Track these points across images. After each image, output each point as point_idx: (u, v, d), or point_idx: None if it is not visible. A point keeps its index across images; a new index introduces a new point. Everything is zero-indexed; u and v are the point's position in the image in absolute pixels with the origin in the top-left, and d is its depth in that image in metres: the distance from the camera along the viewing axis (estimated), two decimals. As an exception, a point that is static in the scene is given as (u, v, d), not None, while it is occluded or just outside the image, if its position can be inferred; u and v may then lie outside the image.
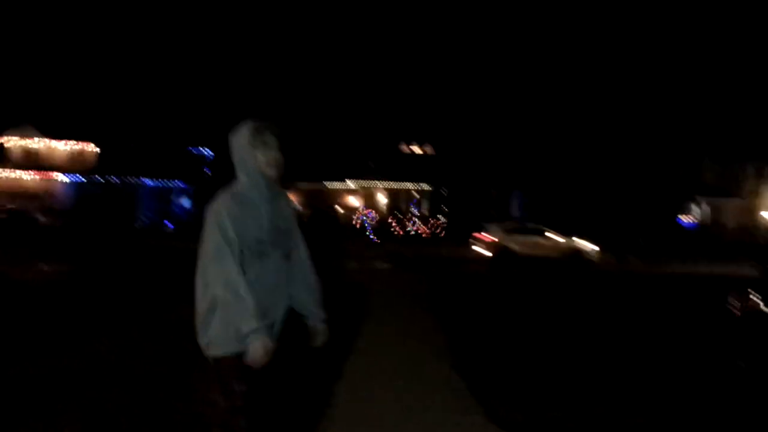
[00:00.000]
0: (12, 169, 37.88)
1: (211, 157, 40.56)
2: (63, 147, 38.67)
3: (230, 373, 2.39)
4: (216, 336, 2.41)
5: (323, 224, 30.02)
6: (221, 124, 42.09)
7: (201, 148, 40.25)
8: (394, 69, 51.45)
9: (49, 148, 38.47)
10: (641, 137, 36.74)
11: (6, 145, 38.50)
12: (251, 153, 2.48)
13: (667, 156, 37.01)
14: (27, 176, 37.62)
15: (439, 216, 37.14)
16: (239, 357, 2.37)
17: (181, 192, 38.26)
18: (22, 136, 38.41)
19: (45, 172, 37.59)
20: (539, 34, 54.33)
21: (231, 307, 2.35)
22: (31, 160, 38.22)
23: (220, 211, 2.43)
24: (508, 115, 39.69)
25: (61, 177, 37.49)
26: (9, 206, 32.34)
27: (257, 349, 2.34)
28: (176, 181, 37.12)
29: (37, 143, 38.52)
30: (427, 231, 32.84)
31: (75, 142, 38.59)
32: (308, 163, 39.66)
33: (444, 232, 33.16)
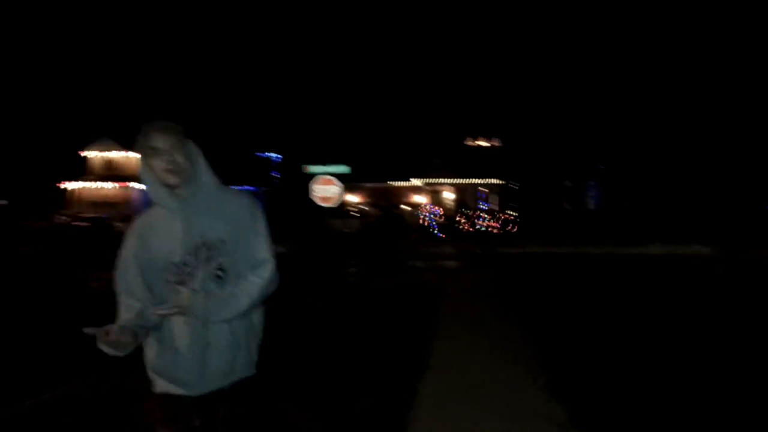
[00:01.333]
0: (93, 180, 39.90)
1: (278, 161, 41.16)
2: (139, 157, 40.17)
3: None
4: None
5: (389, 223, 29.70)
6: (287, 128, 42.77)
7: (268, 153, 40.94)
8: (457, 62, 50.58)
9: (127, 158, 40.20)
10: (727, 124, 34.36)
11: (88, 157, 40.59)
12: (144, 162, 2.05)
13: (756, 144, 34.45)
14: (107, 186, 39.49)
15: (510, 211, 36.06)
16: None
17: (253, 194, 39.03)
18: (102, 149, 40.39)
19: (123, 182, 39.34)
20: (620, 18, 52.02)
21: None
22: (110, 171, 40.15)
23: (128, 235, 2.11)
24: (581, 102, 38.11)
25: (137, 185, 39.03)
26: (91, 215, 33.96)
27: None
28: (245, 186, 37.85)
29: (116, 155, 40.35)
30: (497, 227, 31.90)
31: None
32: (373, 163, 39.55)
33: (516, 227, 32.12)
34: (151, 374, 2.07)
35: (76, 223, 31.62)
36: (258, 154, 40.56)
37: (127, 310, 2.02)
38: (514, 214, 34.74)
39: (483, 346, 6.31)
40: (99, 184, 39.63)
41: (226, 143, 37.41)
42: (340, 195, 10.56)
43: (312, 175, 10.87)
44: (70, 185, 39.80)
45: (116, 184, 39.44)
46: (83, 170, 40.63)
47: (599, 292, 10.59)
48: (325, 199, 10.40)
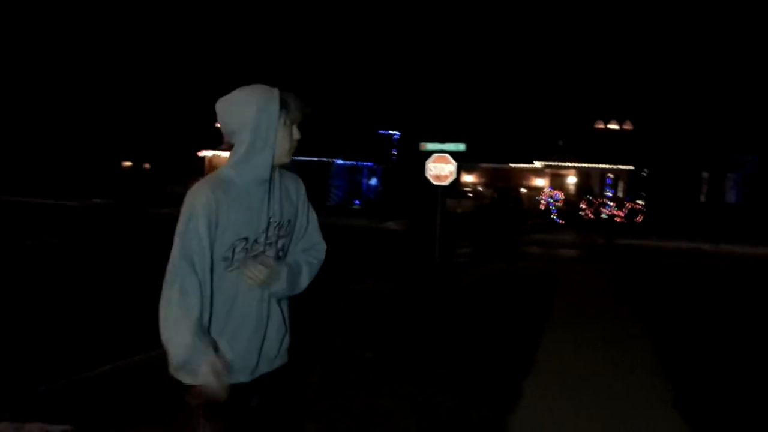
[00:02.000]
0: (226, 149, 42.43)
1: (397, 139, 41.50)
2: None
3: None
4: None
5: (505, 206, 29.03)
6: (408, 104, 42.91)
7: (390, 131, 41.37)
8: (590, 39, 47.95)
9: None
10: None
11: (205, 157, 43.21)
12: (274, 127, 1.88)
13: None
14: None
15: (638, 200, 33.95)
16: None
17: (370, 172, 39.71)
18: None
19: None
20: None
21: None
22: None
23: (189, 206, 1.86)
24: (728, 85, 34.80)
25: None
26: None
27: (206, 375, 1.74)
28: (366, 162, 38.60)
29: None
30: (622, 216, 30.18)
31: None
32: (494, 143, 38.77)
33: (642, 217, 30.21)
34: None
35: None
36: (381, 131, 41.10)
37: (188, 309, 1.76)
38: (641, 203, 32.65)
39: (598, 344, 5.92)
40: (229, 153, 42.15)
41: (352, 120, 38.26)
42: (454, 174, 10.40)
43: (428, 153, 10.78)
44: (207, 153, 42.66)
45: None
46: (220, 140, 43.38)
47: (735, 295, 9.67)
48: (438, 177, 10.30)
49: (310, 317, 6.18)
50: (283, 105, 1.89)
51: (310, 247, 2.09)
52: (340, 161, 35.96)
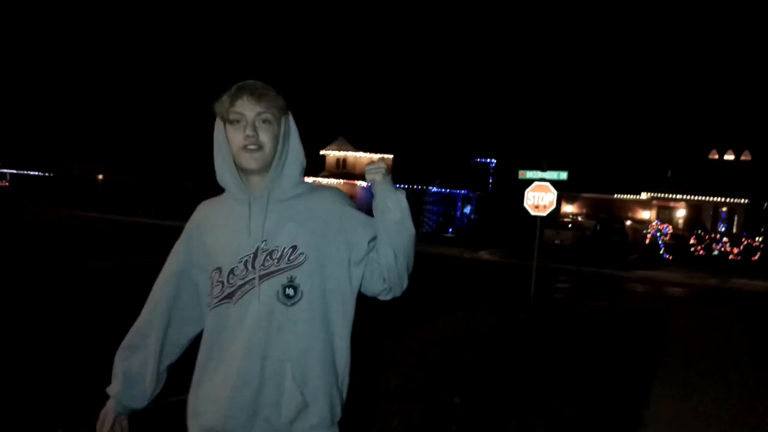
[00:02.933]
0: (327, 177, 43.73)
1: (494, 167, 40.95)
2: (366, 157, 43.25)
3: None
4: None
5: (607, 238, 27.64)
6: (506, 131, 42.29)
7: (486, 160, 40.93)
8: (704, 64, 45.35)
9: (355, 158, 43.30)
10: None
11: (326, 155, 44.59)
12: (220, 131, 1.59)
13: None
14: (336, 182, 43.00)
15: (756, 236, 31.25)
16: None
17: (465, 200, 39.30)
18: (338, 148, 44.09)
19: (350, 180, 42.51)
20: None
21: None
22: (341, 169, 43.70)
23: (190, 220, 1.72)
24: None
25: (362, 184, 41.90)
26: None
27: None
28: (461, 190, 38.25)
29: (347, 154, 43.75)
30: (737, 253, 27.84)
31: (376, 153, 42.94)
32: (597, 171, 37.30)
33: (760, 255, 27.74)
34: (187, 417, 1.63)
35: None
36: (477, 159, 40.74)
37: (156, 362, 1.65)
38: (759, 239, 30.05)
39: (716, 406, 5.25)
40: (330, 180, 43.34)
41: (448, 147, 38.18)
42: (554, 203, 9.92)
43: (528, 181, 10.37)
44: (309, 180, 44.09)
45: (343, 181, 42.74)
46: (322, 167, 44.78)
47: None
48: (537, 207, 9.86)
49: (391, 351, 5.95)
50: (222, 102, 1.57)
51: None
52: (434, 188, 35.86)
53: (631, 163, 38.36)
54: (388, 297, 1.69)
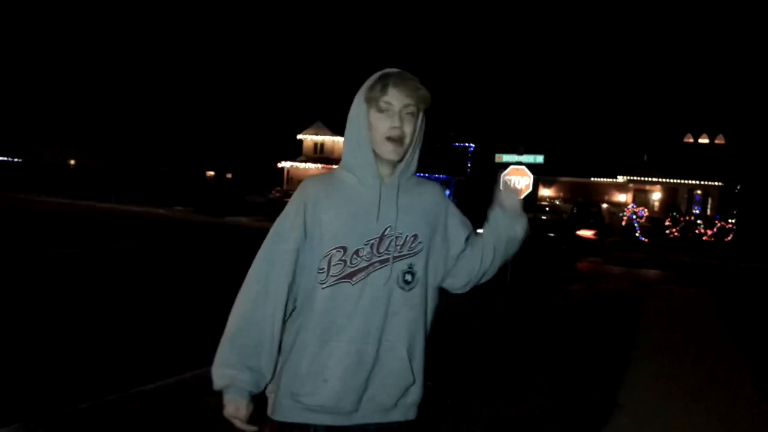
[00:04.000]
0: (304, 161, 43.32)
1: (472, 151, 40.95)
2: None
3: None
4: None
5: (583, 222, 27.82)
6: (484, 116, 42.23)
7: (465, 144, 40.90)
8: (679, 47, 45.68)
9: (333, 142, 42.94)
10: None
11: (303, 140, 44.17)
12: (362, 117, 1.62)
13: None
14: (314, 167, 42.62)
15: (729, 219, 31.75)
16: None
17: (443, 185, 39.36)
18: (315, 132, 43.64)
19: (328, 165, 42.15)
20: None
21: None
22: (319, 154, 43.31)
23: (290, 203, 1.66)
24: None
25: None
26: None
27: (226, 408, 1.57)
28: (439, 174, 38.20)
29: (325, 138, 43.34)
30: (711, 235, 28.24)
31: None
32: (574, 155, 37.48)
33: (733, 236, 28.18)
34: (277, 397, 1.62)
35: (287, 199, 34.62)
36: (456, 144, 40.69)
37: (271, 346, 1.58)
38: (732, 221, 30.51)
39: (689, 383, 5.25)
40: (308, 165, 42.94)
41: (426, 131, 38.10)
42: (530, 187, 9.85)
43: (504, 165, 10.30)
44: (285, 164, 43.62)
45: (321, 165, 42.37)
46: (299, 151, 44.35)
47: None
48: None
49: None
50: (373, 88, 1.60)
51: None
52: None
53: (607, 147, 38.62)
54: (460, 291, 1.81)
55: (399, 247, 1.60)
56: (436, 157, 37.37)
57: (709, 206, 36.44)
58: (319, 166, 42.34)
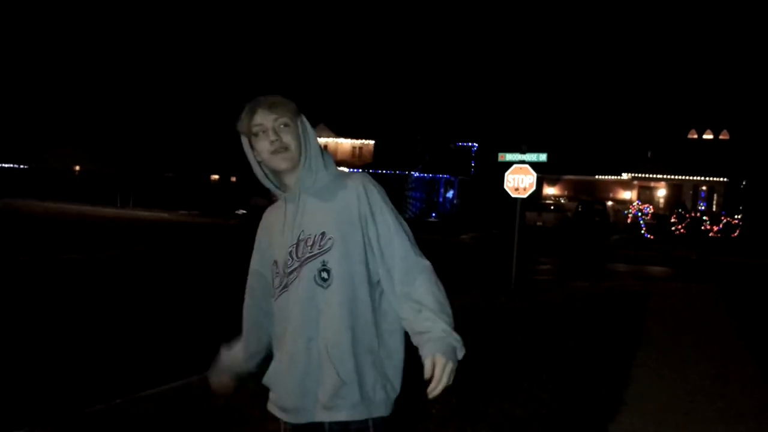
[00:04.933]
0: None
1: (476, 150, 40.88)
2: (348, 143, 42.94)
3: None
4: None
5: (591, 220, 27.74)
6: (487, 115, 42.19)
7: (468, 143, 40.82)
8: (682, 43, 45.54)
9: (337, 144, 42.96)
10: None
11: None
12: (247, 147, 1.78)
13: None
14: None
15: (735, 215, 31.60)
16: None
17: (447, 184, 39.24)
18: (318, 134, 43.52)
19: (331, 166, 42.24)
20: None
21: None
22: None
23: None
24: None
25: (344, 170, 41.66)
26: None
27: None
28: (443, 174, 38.17)
29: (328, 141, 43.34)
30: (716, 231, 28.12)
31: (357, 140, 42.63)
32: (578, 153, 37.37)
33: (739, 232, 28.06)
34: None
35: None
36: (459, 143, 40.62)
37: (245, 342, 1.95)
38: (738, 217, 30.36)
39: (695, 381, 5.22)
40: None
41: (430, 132, 38.02)
42: (534, 186, 9.83)
43: (507, 164, 10.27)
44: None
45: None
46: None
47: None
48: (517, 189, 9.77)
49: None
50: (241, 120, 1.75)
51: (404, 279, 1.67)
52: (417, 173, 35.73)
53: (611, 145, 38.47)
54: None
55: (309, 247, 1.68)
56: (439, 157, 37.34)
57: (714, 202, 36.27)
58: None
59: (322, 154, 1.78)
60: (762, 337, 7.06)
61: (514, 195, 9.90)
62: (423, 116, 38.82)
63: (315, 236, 1.68)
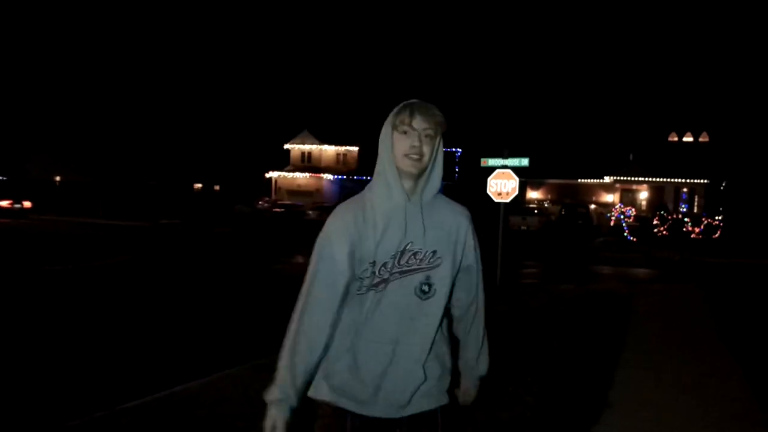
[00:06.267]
0: (292, 171, 43.19)
1: (459, 156, 41.03)
2: (332, 150, 42.84)
3: None
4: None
5: (574, 223, 27.95)
6: (468, 122, 42.40)
7: (452, 149, 40.97)
8: (661, 47, 46.18)
9: (321, 150, 42.87)
10: None
11: (291, 149, 44.03)
12: (388, 138, 1.84)
13: None
14: (301, 176, 42.52)
15: (715, 216, 32.03)
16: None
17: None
18: (302, 141, 43.52)
19: (316, 173, 42.06)
20: None
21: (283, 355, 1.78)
22: (307, 163, 43.20)
23: (327, 229, 1.83)
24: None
25: (328, 177, 41.49)
26: (287, 202, 36.86)
27: (266, 422, 1.74)
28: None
29: (312, 147, 43.24)
30: (698, 232, 28.47)
31: (341, 146, 42.58)
32: (561, 157, 37.67)
33: (720, 233, 28.42)
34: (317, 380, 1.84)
35: (275, 209, 34.53)
36: (444, 149, 40.83)
37: (307, 355, 1.76)
38: (718, 218, 30.75)
39: (681, 379, 5.27)
40: (295, 174, 42.83)
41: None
42: (516, 190, 9.89)
43: (491, 169, 10.33)
44: (273, 174, 43.53)
45: (309, 174, 42.27)
46: (287, 161, 44.25)
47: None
48: (499, 194, 9.83)
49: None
50: (398, 114, 1.83)
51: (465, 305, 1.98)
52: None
53: (593, 148, 38.84)
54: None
55: (418, 261, 1.78)
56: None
57: (695, 204, 36.74)
58: (307, 175, 42.26)
59: (441, 177, 1.89)
60: (743, 336, 7.15)
61: (497, 200, 9.95)
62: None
63: (426, 252, 1.79)
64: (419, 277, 1.78)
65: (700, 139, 39.31)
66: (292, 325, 1.77)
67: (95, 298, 8.77)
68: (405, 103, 1.85)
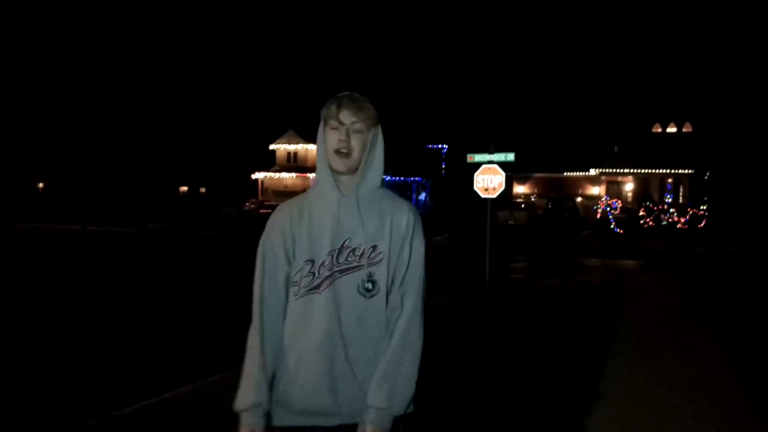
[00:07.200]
0: (278, 171, 43.03)
1: (446, 152, 41.12)
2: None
3: None
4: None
5: (559, 216, 28.09)
6: (456, 116, 42.48)
7: (438, 146, 41.05)
8: (642, 39, 46.49)
9: (306, 150, 42.73)
10: None
11: (276, 149, 43.85)
12: (321, 133, 1.79)
13: None
14: (288, 176, 42.38)
15: (700, 206, 32.35)
16: None
17: (420, 187, 39.38)
18: (288, 141, 43.35)
19: (302, 173, 41.93)
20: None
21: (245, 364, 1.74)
22: (292, 163, 43.06)
23: (266, 228, 1.81)
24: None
25: (314, 176, 41.44)
26: (274, 203, 36.75)
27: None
28: (415, 177, 38.30)
29: (298, 147, 43.07)
30: (684, 222, 28.74)
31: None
32: (546, 151, 37.85)
33: (705, 223, 28.72)
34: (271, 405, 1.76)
35: (262, 210, 34.38)
36: (429, 146, 40.81)
37: (255, 339, 1.71)
38: (704, 208, 31.07)
39: (670, 369, 5.33)
40: (282, 175, 42.68)
41: (400, 135, 38.14)
42: (503, 185, 9.92)
43: (477, 165, 10.34)
44: (259, 175, 43.36)
45: (296, 174, 42.15)
46: (273, 162, 44.06)
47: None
48: (486, 189, 9.85)
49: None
50: (328, 108, 1.76)
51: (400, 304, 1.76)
52: (388, 177, 35.80)
53: (578, 141, 39.07)
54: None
55: (358, 257, 1.71)
56: (412, 160, 37.45)
57: (680, 194, 37.07)
58: (293, 175, 42.14)
59: (382, 169, 1.82)
60: (731, 325, 7.23)
61: (484, 195, 9.97)
62: (393, 119, 38.93)
63: (365, 248, 1.72)
64: (361, 275, 1.71)
65: (684, 130, 39.66)
66: (252, 329, 1.73)
67: (80, 306, 8.69)
68: (335, 96, 1.78)
